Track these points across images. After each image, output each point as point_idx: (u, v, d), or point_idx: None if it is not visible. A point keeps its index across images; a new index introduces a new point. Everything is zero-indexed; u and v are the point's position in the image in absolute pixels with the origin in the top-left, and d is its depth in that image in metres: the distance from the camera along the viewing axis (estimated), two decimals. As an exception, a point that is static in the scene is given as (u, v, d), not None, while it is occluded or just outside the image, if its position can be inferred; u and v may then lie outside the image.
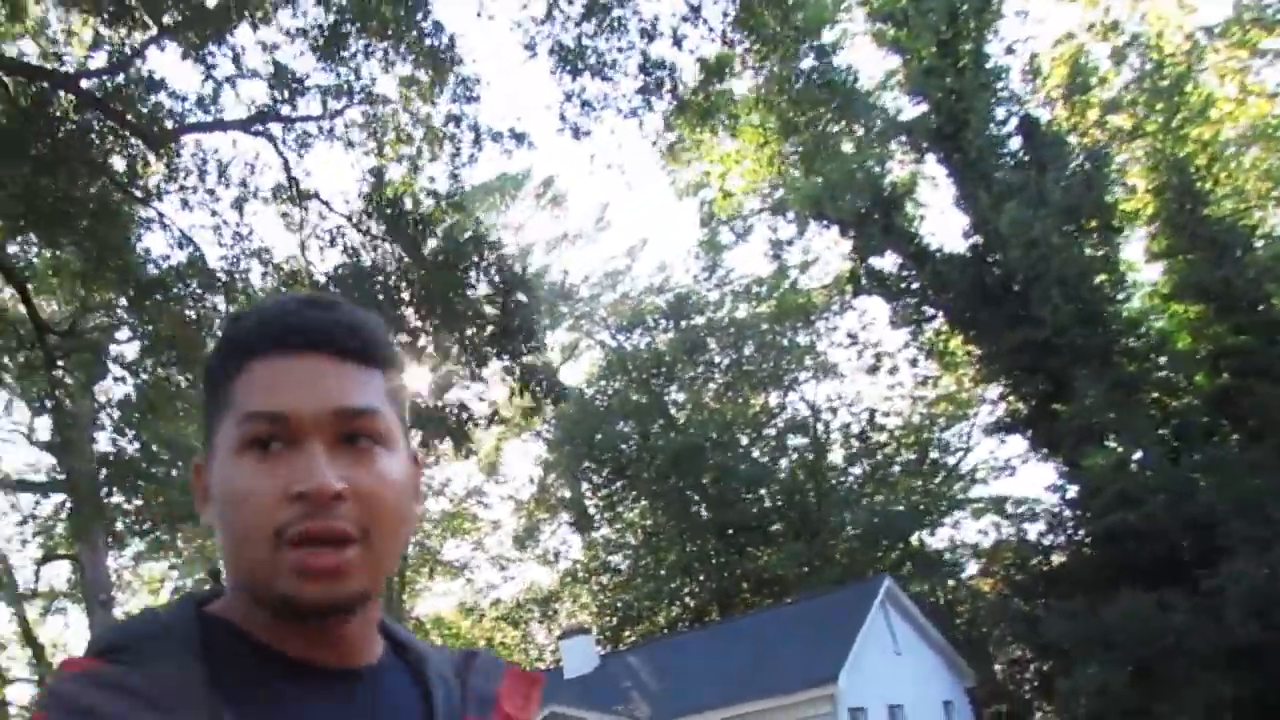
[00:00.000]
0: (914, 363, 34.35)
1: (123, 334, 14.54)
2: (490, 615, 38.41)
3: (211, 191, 12.40)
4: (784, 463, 35.14)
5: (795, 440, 35.91)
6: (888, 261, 32.36)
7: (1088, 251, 28.38)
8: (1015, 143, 30.47)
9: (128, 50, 12.46)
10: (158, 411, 13.61)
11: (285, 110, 13.53)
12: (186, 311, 12.91)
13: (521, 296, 11.32)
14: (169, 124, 12.38)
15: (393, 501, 1.04)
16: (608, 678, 23.56)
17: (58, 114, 11.44)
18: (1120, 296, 28.65)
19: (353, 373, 1.05)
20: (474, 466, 35.89)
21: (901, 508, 32.38)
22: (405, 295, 11.38)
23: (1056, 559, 28.79)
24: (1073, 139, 30.11)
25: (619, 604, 35.44)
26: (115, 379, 14.33)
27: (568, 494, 37.43)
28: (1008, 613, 29.04)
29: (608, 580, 36.54)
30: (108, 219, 11.62)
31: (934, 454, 34.50)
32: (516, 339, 10.90)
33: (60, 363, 12.63)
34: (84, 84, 11.67)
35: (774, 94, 14.82)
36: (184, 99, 13.02)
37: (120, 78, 11.94)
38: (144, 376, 13.59)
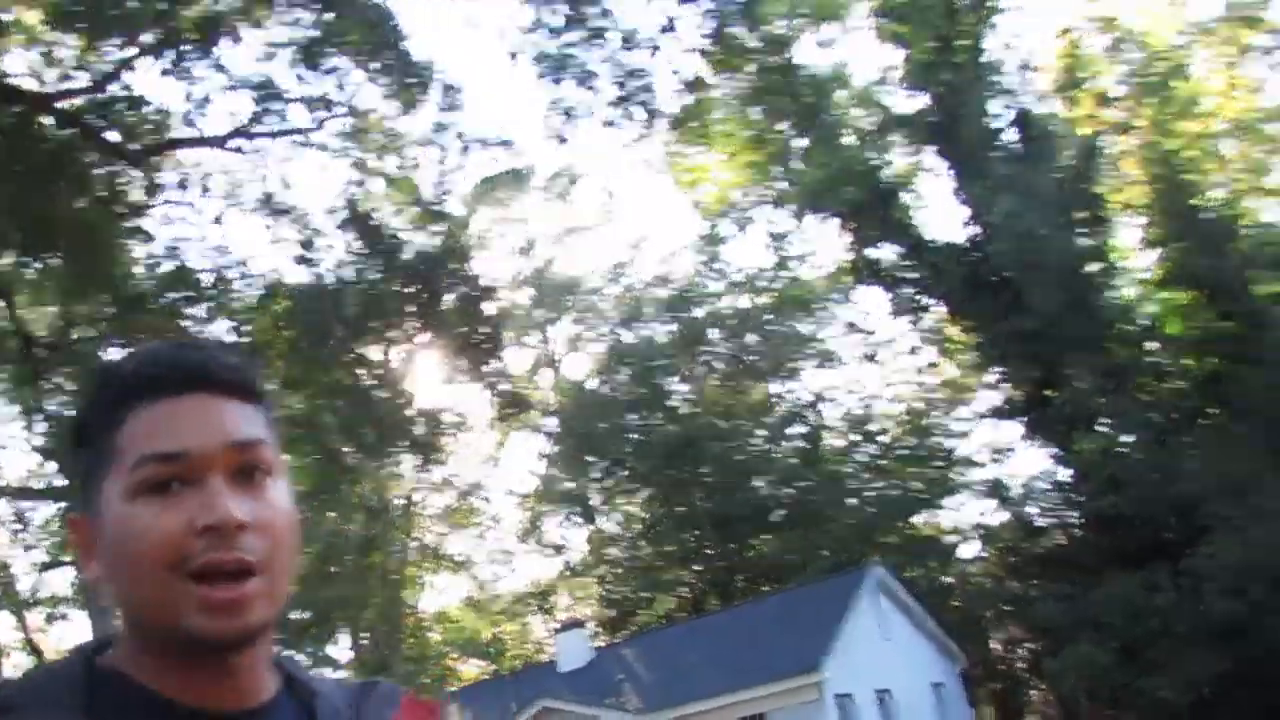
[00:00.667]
0: (913, 351, 34.64)
1: (110, 346, 14.87)
2: (492, 610, 38.56)
3: (192, 205, 12.74)
4: (783, 451, 35.32)
5: (794, 429, 36.13)
6: (887, 252, 32.67)
7: (1079, 241, 28.54)
8: (1011, 135, 30.69)
9: (109, 68, 12.81)
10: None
11: (266, 123, 13.90)
12: (173, 323, 13.28)
13: (488, 308, 11.62)
14: (150, 140, 12.74)
15: (289, 531, 1.06)
16: (601, 671, 23.81)
17: (40, 134, 11.79)
18: (1111, 284, 28.83)
19: (237, 407, 1.07)
20: (476, 461, 36.03)
21: (898, 493, 32.64)
22: (378, 306, 11.69)
23: (1049, 542, 29.08)
24: (1066, 132, 30.26)
25: (618, 596, 35.71)
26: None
27: (570, 485, 37.56)
28: (1001, 595, 29.45)
29: (604, 572, 36.75)
30: (91, 235, 11.97)
31: (932, 440, 34.67)
32: (483, 350, 11.19)
33: (47, 374, 12.97)
34: (65, 104, 12.02)
35: (746, 102, 15.12)
36: (165, 113, 13.40)
37: (100, 96, 12.28)
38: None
